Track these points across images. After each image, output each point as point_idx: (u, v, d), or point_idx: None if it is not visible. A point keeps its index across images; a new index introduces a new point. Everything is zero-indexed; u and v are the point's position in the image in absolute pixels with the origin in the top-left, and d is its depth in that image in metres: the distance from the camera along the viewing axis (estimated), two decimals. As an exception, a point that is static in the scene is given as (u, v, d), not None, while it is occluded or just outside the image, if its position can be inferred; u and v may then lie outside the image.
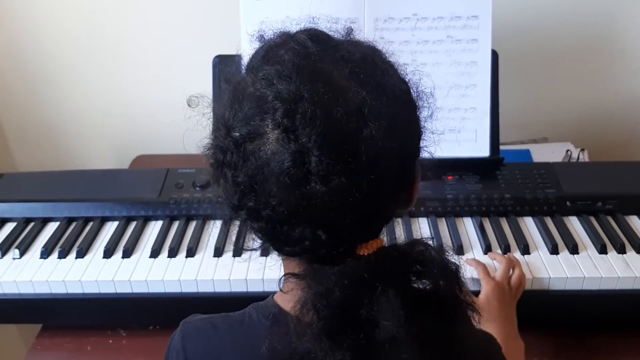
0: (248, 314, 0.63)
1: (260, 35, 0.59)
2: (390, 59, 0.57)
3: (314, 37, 0.55)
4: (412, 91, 0.57)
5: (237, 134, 0.51)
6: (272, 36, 0.58)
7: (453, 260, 0.55)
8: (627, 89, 1.51)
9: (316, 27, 0.58)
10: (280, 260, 0.61)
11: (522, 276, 0.94)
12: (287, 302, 0.60)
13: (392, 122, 0.51)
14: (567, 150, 1.39)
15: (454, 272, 0.54)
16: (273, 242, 0.55)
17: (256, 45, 0.59)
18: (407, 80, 0.57)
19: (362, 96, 0.51)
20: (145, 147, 1.58)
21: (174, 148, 1.55)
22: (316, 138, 0.48)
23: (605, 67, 1.49)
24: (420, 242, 0.55)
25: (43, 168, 1.36)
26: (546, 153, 1.42)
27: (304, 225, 0.51)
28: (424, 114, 0.58)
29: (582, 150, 1.39)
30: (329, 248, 0.52)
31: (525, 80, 1.49)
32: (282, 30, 0.58)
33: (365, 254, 0.54)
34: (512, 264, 0.95)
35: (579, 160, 1.38)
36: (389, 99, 0.52)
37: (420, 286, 0.53)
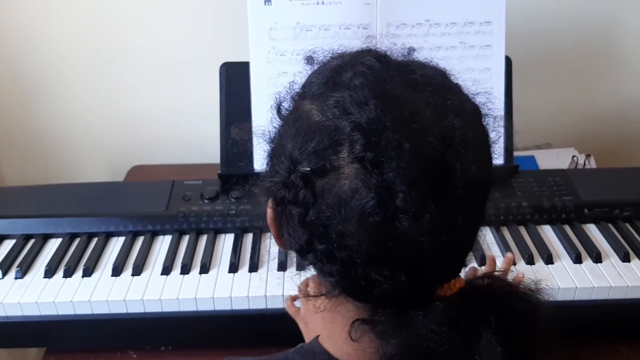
0: None
1: (310, 56, 0.55)
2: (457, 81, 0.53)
3: (380, 59, 0.50)
4: (482, 115, 0.52)
5: (307, 169, 0.46)
6: (326, 58, 0.54)
7: (531, 294, 0.51)
8: (630, 93, 1.51)
9: (374, 48, 0.53)
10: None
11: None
12: (337, 345, 0.55)
13: (478, 149, 0.48)
14: (574, 156, 1.39)
15: (534, 309, 0.51)
16: (346, 286, 0.50)
17: (307, 68, 0.54)
18: (476, 103, 0.53)
19: (448, 123, 0.46)
20: (141, 157, 1.52)
21: (170, 158, 1.51)
22: (404, 172, 0.43)
23: (607, 71, 1.49)
24: (498, 278, 0.52)
25: (32, 180, 1.30)
26: (551, 159, 1.41)
27: (384, 267, 0.46)
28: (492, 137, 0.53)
29: (589, 156, 1.39)
30: (409, 291, 0.47)
31: (527, 85, 1.47)
32: (335, 51, 0.54)
33: (448, 294, 0.49)
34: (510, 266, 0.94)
35: (586, 167, 1.37)
36: (472, 125, 0.49)
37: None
